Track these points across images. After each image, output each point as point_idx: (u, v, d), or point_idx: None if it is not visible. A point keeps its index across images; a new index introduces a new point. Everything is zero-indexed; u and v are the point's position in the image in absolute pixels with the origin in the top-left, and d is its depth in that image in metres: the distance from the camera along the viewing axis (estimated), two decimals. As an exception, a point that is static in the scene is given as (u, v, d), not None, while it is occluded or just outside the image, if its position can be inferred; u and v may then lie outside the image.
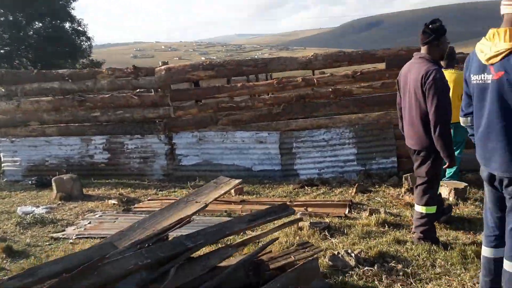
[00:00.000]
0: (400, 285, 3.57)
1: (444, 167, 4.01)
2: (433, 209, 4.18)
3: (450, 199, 5.51)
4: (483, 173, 2.90)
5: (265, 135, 7.49)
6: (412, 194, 5.67)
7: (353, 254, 3.92)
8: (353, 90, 7.09)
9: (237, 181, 3.99)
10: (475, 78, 2.79)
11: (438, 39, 4.00)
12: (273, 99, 7.43)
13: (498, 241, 2.97)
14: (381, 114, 7.09)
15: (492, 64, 2.63)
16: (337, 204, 5.65)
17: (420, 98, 3.96)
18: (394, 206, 5.51)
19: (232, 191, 6.48)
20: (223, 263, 3.32)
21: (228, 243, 3.66)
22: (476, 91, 2.81)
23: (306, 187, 6.59)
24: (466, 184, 5.67)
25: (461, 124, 3.16)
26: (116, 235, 3.13)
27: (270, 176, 7.42)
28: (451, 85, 5.65)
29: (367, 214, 5.16)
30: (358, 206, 5.62)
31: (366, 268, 3.79)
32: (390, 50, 6.97)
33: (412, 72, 4.07)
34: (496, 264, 3.01)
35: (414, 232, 4.31)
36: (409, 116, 4.16)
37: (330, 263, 3.89)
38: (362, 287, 3.55)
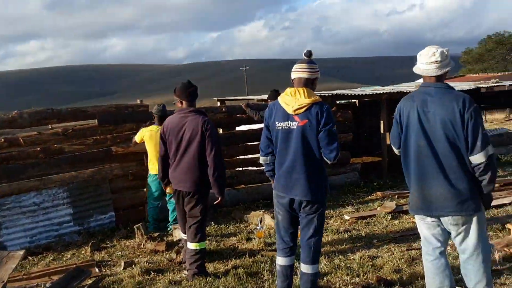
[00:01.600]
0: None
1: (215, 202, 4.61)
2: (205, 244, 4.69)
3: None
4: (283, 199, 3.68)
5: (-43, 207, 6.23)
6: (153, 241, 6.01)
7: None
8: (64, 148, 6.84)
9: (21, 252, 3.40)
10: (280, 125, 3.59)
11: (197, 95, 4.66)
12: (-33, 164, 6.31)
13: (291, 252, 3.80)
14: (95, 170, 7.07)
15: (297, 114, 3.48)
16: (83, 266, 5.33)
17: (198, 146, 4.48)
18: (141, 255, 5.66)
19: None
20: None
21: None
22: (281, 135, 3.61)
23: (29, 258, 5.87)
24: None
25: (261, 162, 3.88)
26: None
27: (-34, 256, 6.17)
28: (154, 140, 6.39)
29: (122, 268, 5.16)
30: (104, 263, 5.48)
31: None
32: (101, 107, 7.14)
33: (187, 123, 4.55)
34: (290, 270, 3.82)
35: (189, 270, 4.66)
36: (184, 163, 4.58)
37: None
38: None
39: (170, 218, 6.75)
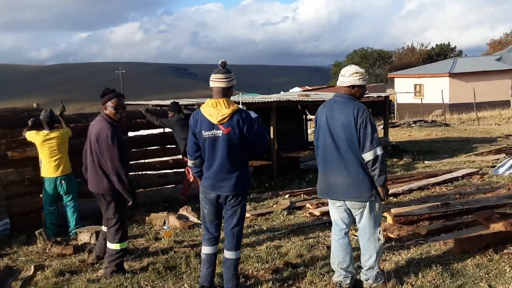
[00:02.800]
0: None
1: (129, 204, 4.76)
2: (125, 244, 4.85)
3: (92, 241, 6.10)
4: (210, 195, 4.11)
5: None
6: (59, 245, 5.96)
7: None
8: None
9: None
10: (206, 133, 4.00)
11: (106, 99, 4.76)
12: None
13: (215, 241, 4.25)
14: (-11, 176, 6.74)
15: (221, 124, 3.91)
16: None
17: (96, 150, 4.62)
18: (49, 260, 5.61)
19: None
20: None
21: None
22: (208, 142, 4.02)
23: None
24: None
25: (190, 165, 4.22)
26: None
27: None
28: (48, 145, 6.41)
29: (33, 272, 5.09)
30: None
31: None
32: (-5, 110, 6.83)
33: (94, 127, 4.70)
34: (214, 257, 4.28)
35: (107, 267, 4.80)
36: (92, 164, 4.72)
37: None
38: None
39: (71, 224, 6.69)
